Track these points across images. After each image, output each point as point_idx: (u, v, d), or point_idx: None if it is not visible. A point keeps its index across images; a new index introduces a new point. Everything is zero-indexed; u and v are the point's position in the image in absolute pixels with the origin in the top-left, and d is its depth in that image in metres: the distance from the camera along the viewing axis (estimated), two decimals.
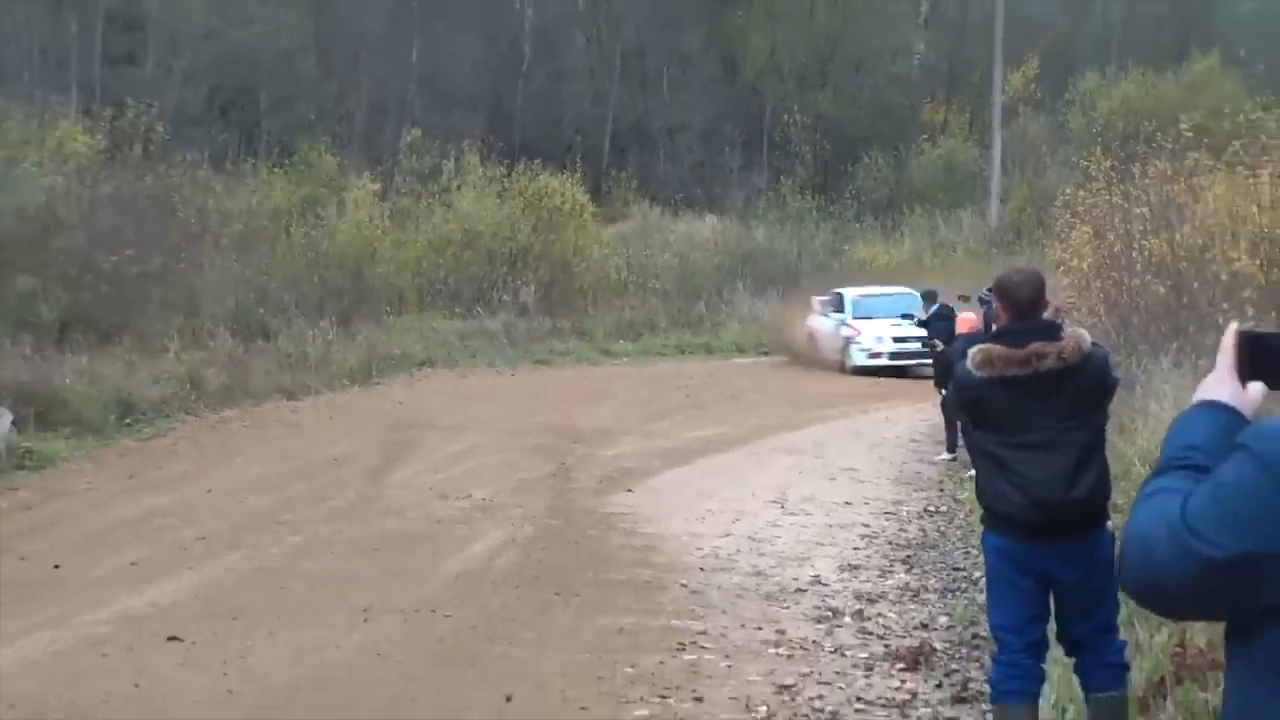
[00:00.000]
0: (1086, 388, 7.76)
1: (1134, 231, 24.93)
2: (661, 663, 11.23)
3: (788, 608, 13.21)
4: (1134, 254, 24.51)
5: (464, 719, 9.79)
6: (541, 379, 35.61)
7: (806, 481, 20.37)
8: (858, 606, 13.20)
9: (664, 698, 10.33)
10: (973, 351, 7.88)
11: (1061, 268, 28.40)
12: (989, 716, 8.80)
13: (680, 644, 11.84)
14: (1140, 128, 32.89)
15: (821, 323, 42.45)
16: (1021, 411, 7.66)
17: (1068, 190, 31.89)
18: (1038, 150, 57.17)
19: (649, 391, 32.47)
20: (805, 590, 13.87)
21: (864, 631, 12.37)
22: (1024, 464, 7.65)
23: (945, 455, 22.24)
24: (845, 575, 14.53)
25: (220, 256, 41.35)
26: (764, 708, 10.12)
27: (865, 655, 11.60)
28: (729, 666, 11.16)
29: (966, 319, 20.61)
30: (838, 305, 41.94)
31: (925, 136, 62.25)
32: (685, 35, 63.41)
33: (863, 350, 39.64)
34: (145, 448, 24.64)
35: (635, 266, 50.11)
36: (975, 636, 12.00)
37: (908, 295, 40.21)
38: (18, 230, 37.30)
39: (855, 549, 15.91)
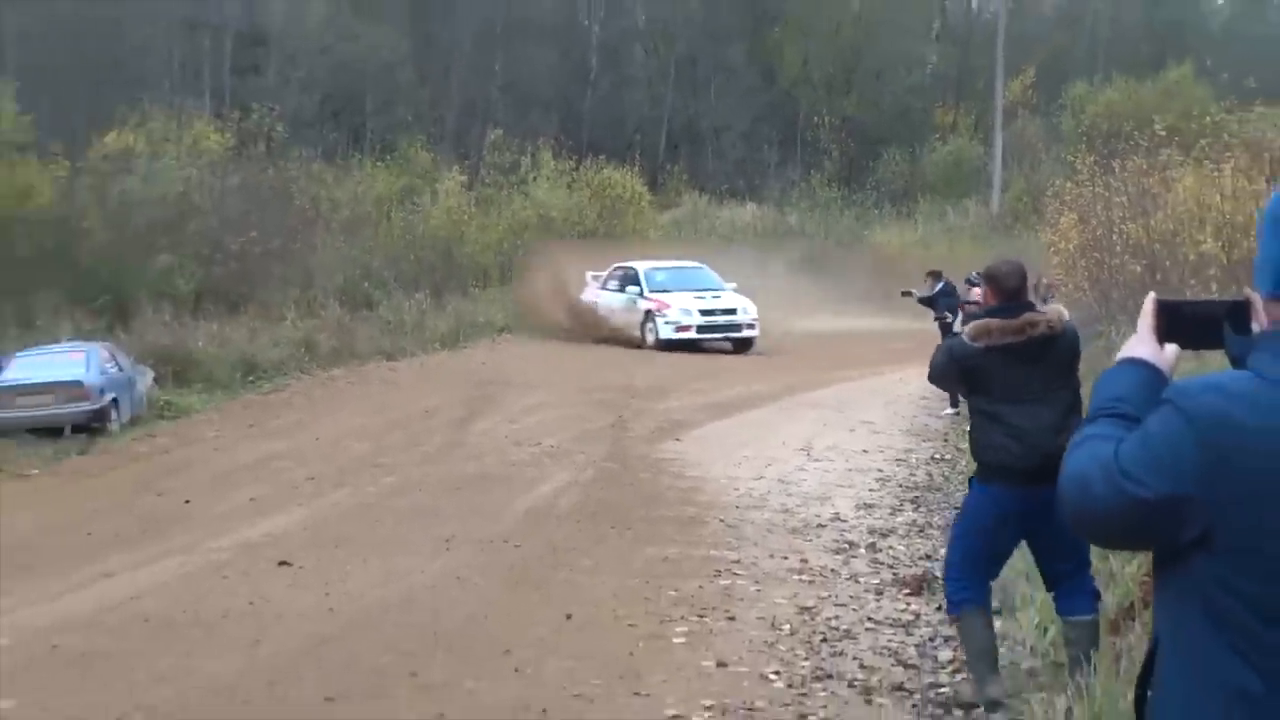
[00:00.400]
0: (1066, 355, 7.81)
1: (1114, 218, 24.91)
2: (700, 587, 11.20)
3: (810, 540, 13.16)
4: (1114, 237, 24.49)
5: (529, 634, 9.76)
6: (604, 344, 35.48)
7: (829, 432, 20.26)
8: (871, 540, 13.13)
9: (701, 617, 10.30)
10: (969, 325, 7.93)
11: (1051, 249, 28.35)
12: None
13: (717, 571, 11.81)
14: (1121, 128, 32.65)
15: (608, 298, 36.76)
16: (1014, 375, 7.66)
17: (1057, 182, 31.82)
18: (1034, 148, 56.72)
19: (696, 354, 32.39)
20: (826, 526, 13.81)
21: (876, 561, 12.31)
22: (1018, 418, 7.66)
23: (950, 410, 22.12)
24: (861, 513, 14.46)
25: (331, 238, 41.53)
26: (787, 626, 10.08)
27: (876, 581, 11.55)
28: (758, 590, 11.12)
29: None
30: (629, 279, 36.33)
31: (937, 136, 61.90)
32: (730, 49, 63.16)
33: (669, 324, 34.26)
34: (265, 401, 24.79)
35: (683, 245, 50.01)
36: None
37: (700, 269, 37.33)
38: (159, 215, 37.58)
39: (871, 490, 15.81)
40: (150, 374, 25.12)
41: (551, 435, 19.65)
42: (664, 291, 35.25)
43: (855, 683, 8.84)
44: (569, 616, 10.26)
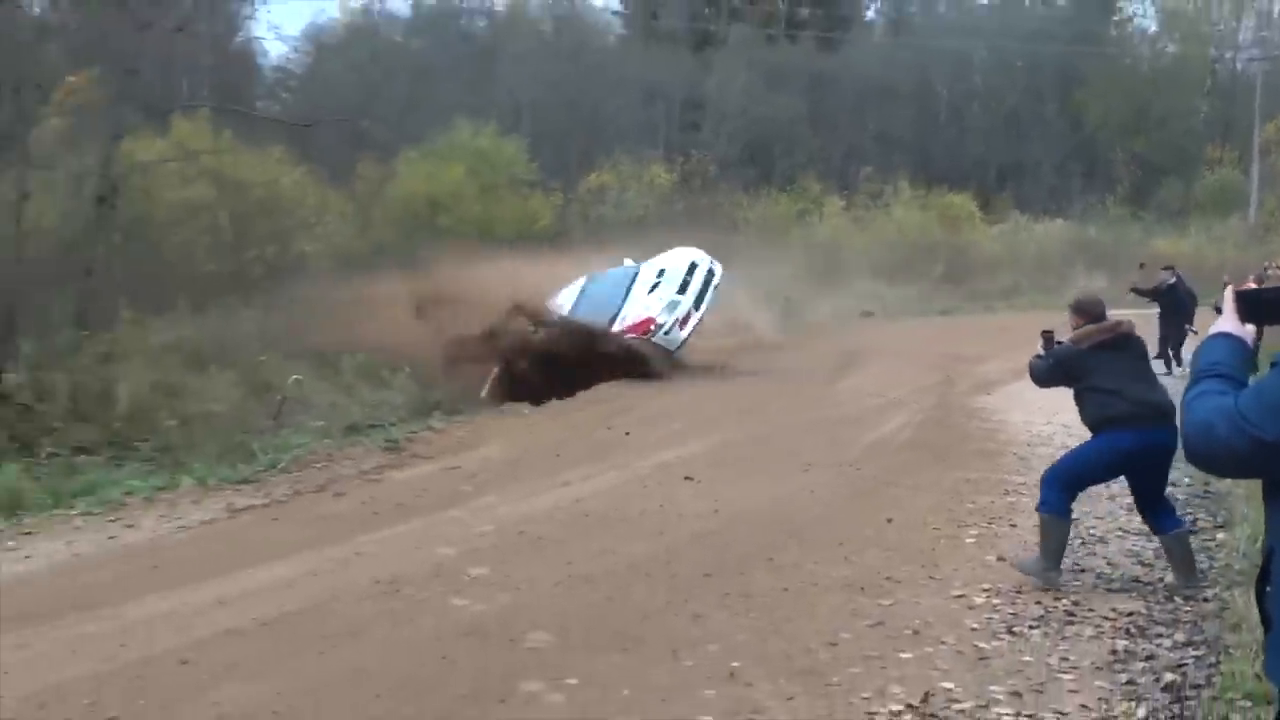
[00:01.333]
0: (1139, 348, 8.50)
1: None
2: (992, 501, 10.96)
3: None
4: None
5: (859, 533, 9.69)
6: (942, 324, 34.86)
7: None
8: None
9: (990, 524, 10.10)
10: (1073, 334, 8.45)
11: None
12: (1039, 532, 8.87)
13: (1006, 490, 11.53)
14: None
15: None
16: (1112, 362, 8.19)
17: None
18: None
19: (1010, 332, 31.40)
20: None
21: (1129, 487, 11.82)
22: (1119, 386, 8.10)
23: (1164, 371, 21.08)
24: None
25: (747, 246, 41.65)
26: None
27: (1128, 502, 10.98)
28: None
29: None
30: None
31: (1206, 167, 58.88)
32: (1046, 105, 61.51)
33: (668, 333, 21.71)
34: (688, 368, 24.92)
35: (1009, 253, 48.93)
36: (1207, 492, 11.40)
37: (612, 272, 23.35)
38: (625, 232, 38.38)
39: None
40: None
41: (895, 389, 19.37)
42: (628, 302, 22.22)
43: (1101, 575, 8.60)
44: (889, 520, 10.16)
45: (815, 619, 7.36)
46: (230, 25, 55.44)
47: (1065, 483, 8.32)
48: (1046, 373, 8.67)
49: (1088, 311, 8.50)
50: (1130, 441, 8.06)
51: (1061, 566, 8.51)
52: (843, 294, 38.33)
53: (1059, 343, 8.59)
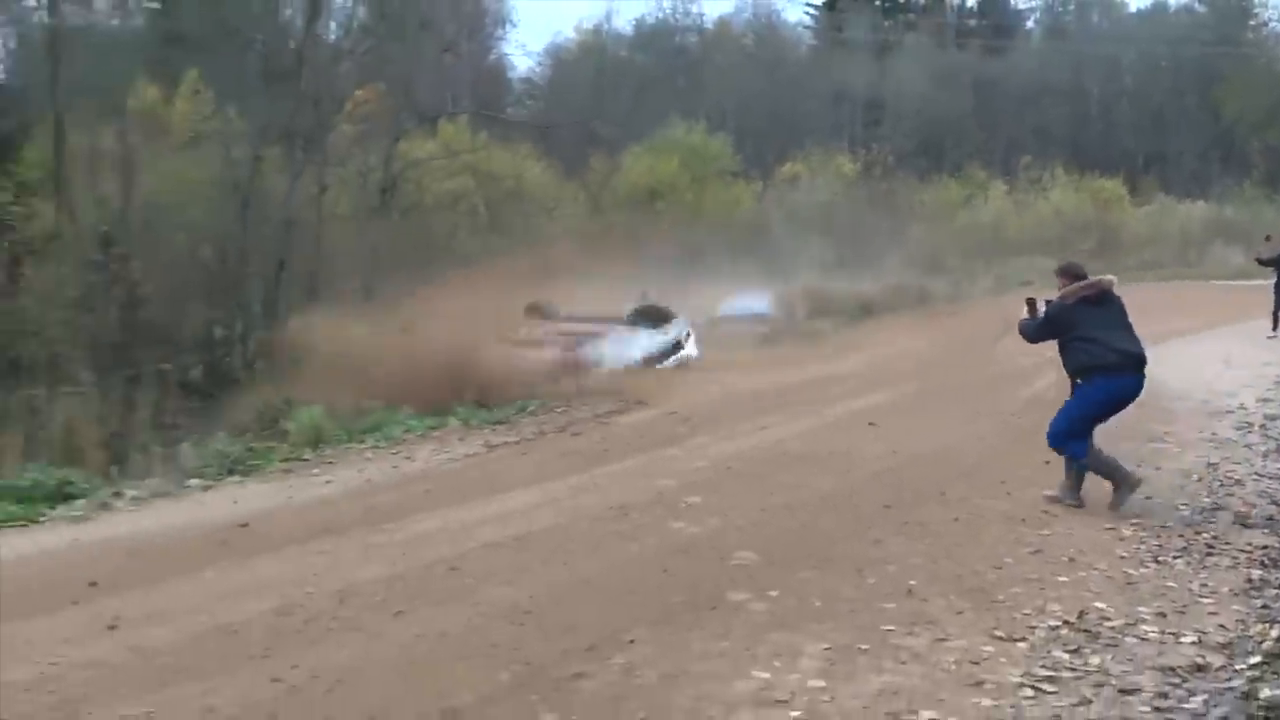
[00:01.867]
0: (1119, 304, 8.28)
1: None
2: (1136, 447, 10.47)
3: (1221, 421, 12.16)
4: None
5: (1018, 473, 9.41)
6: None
7: (1243, 349, 18.53)
8: (1264, 422, 12.01)
9: (1138, 466, 9.58)
10: (1058, 296, 8.32)
11: None
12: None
13: (1151, 438, 11.09)
14: None
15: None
16: (1094, 314, 8.10)
17: None
18: None
19: (1155, 301, 30.04)
20: (1232, 412, 12.71)
21: (1266, 435, 11.29)
22: (1103, 336, 8.05)
23: (1270, 333, 19.94)
24: (1259, 404, 13.22)
25: (918, 225, 40.81)
26: (1196, 475, 9.46)
27: (1264, 449, 10.60)
28: (1179, 452, 10.44)
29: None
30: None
31: None
32: (1188, 101, 58.67)
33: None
34: (874, 324, 24.59)
35: (1154, 231, 46.89)
36: None
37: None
38: (815, 215, 37.93)
39: (1268, 389, 14.38)
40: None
41: (1048, 349, 18.55)
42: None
43: (1238, 514, 8.20)
44: (1046, 463, 9.72)
45: (981, 546, 7.21)
46: (485, 45, 56.62)
47: (1073, 432, 8.24)
48: (1036, 330, 8.54)
49: (1071, 273, 8.42)
50: (1119, 385, 8.12)
51: (1187, 502, 8.48)
52: (1006, 266, 37.27)
53: (1048, 301, 8.43)
